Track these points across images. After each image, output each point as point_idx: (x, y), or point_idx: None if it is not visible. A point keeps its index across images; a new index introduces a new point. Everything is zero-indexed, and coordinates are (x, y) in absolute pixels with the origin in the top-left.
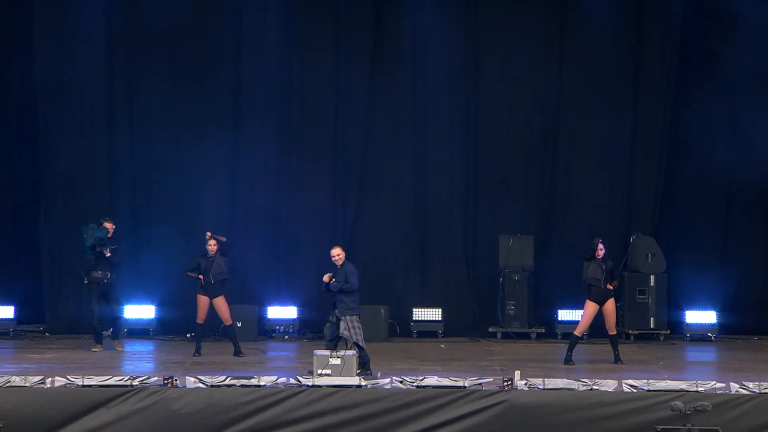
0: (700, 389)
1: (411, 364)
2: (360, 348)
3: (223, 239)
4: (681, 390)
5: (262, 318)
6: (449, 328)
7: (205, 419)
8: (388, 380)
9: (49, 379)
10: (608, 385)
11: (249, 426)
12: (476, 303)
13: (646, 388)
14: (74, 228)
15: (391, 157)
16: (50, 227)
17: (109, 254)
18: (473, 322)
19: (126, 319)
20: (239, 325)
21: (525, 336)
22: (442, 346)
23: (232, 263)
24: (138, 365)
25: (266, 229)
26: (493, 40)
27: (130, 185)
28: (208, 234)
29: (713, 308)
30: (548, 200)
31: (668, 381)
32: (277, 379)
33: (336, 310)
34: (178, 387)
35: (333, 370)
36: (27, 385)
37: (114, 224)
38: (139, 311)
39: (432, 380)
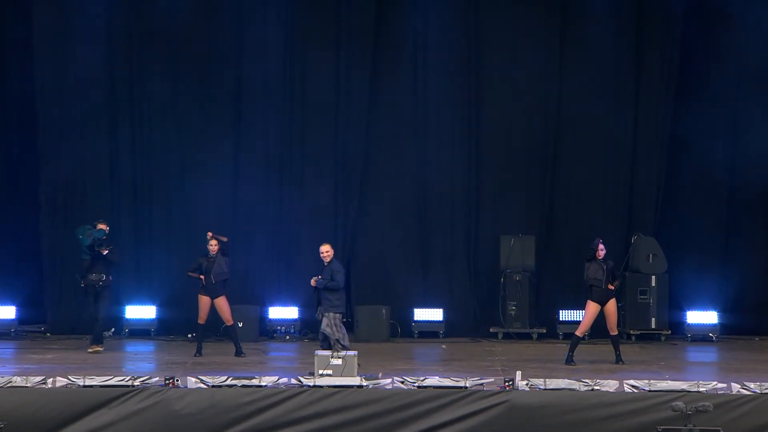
0: (701, 390)
1: (412, 364)
2: (343, 347)
3: (225, 239)
4: (682, 390)
5: (263, 318)
6: (450, 329)
7: (207, 419)
8: (389, 380)
9: (51, 379)
10: (609, 385)
11: (250, 426)
12: (477, 303)
13: (647, 389)
14: (75, 228)
15: (392, 157)
16: (51, 228)
17: (106, 253)
18: (474, 322)
19: (127, 320)
20: (240, 325)
21: (526, 336)
22: (444, 346)
23: (234, 263)
24: (139, 365)
25: (267, 229)
26: (493, 39)
27: (131, 185)
28: (210, 234)
29: (714, 308)
30: (549, 200)
31: (669, 381)
32: (278, 379)
33: (320, 307)
34: (179, 387)
35: (334, 371)
36: (28, 385)
37: (108, 226)
38: (140, 311)
39: (433, 380)
